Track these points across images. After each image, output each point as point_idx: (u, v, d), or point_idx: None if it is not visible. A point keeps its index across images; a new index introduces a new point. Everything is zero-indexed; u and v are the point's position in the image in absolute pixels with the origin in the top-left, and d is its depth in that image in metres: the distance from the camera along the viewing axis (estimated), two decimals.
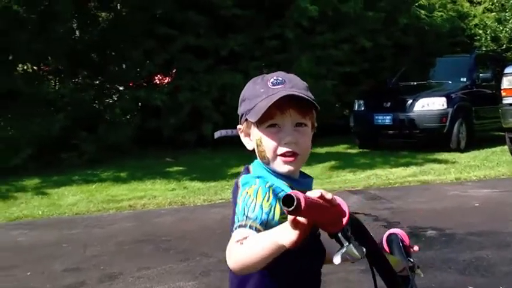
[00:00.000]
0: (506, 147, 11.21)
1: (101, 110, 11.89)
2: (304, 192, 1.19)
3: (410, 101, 12.11)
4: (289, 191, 1.37)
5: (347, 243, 1.26)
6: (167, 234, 6.45)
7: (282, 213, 1.43)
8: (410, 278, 1.77)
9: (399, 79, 13.81)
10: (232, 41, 12.94)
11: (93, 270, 5.31)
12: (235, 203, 1.54)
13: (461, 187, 8.56)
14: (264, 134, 1.58)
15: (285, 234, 1.22)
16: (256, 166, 1.64)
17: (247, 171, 1.64)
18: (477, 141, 12.52)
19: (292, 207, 1.08)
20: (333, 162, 11.05)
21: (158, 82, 13.59)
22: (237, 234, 1.42)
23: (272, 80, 1.59)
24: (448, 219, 6.66)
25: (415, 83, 13.39)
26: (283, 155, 1.57)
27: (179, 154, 11.84)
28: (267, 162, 1.60)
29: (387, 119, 12.13)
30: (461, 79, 12.94)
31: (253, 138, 1.62)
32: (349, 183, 9.13)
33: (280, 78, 1.59)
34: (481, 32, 18.62)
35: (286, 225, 1.22)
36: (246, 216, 1.44)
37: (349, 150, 12.80)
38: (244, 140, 1.68)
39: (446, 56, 14.86)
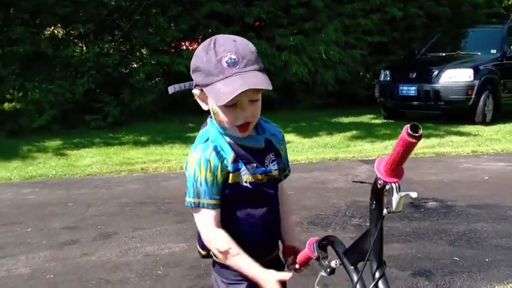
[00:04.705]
0: None
1: (125, 74, 11.93)
2: (255, 148, 1.79)
3: (436, 72, 11.82)
4: (229, 150, 1.75)
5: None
6: (170, 197, 6.47)
7: (222, 170, 1.73)
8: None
9: (428, 50, 13.45)
10: (258, 9, 12.82)
11: (90, 229, 5.38)
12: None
13: (476, 160, 8.36)
14: (221, 111, 1.70)
15: (265, 283, 1.68)
16: (212, 121, 1.79)
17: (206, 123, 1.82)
18: (504, 114, 12.19)
19: (418, 134, 1.32)
20: (354, 132, 10.95)
21: (185, 48, 13.55)
22: (199, 216, 1.75)
23: (226, 59, 1.64)
24: (452, 191, 6.53)
25: (444, 54, 13.02)
26: (239, 126, 1.73)
27: (202, 120, 11.84)
28: (223, 128, 1.75)
29: (412, 90, 11.90)
30: (492, 51, 12.55)
31: (209, 106, 1.75)
32: (364, 152, 9.03)
33: (234, 57, 1.64)
34: None
35: (269, 279, 1.67)
36: (197, 193, 1.73)
37: (373, 121, 12.63)
38: (200, 102, 1.79)
39: (478, 26, 14.45)
